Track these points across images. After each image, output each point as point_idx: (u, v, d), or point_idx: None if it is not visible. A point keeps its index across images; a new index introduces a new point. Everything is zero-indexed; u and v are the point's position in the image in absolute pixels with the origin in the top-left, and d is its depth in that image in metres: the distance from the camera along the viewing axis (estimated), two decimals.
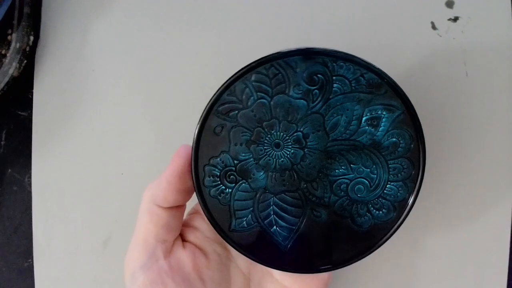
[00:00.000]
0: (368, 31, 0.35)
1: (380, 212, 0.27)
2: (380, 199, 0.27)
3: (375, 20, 0.35)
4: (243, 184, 0.27)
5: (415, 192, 0.27)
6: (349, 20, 0.35)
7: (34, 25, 0.36)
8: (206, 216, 0.27)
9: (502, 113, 0.34)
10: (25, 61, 0.36)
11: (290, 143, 0.27)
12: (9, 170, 0.37)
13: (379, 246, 0.27)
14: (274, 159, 0.27)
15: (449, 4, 0.34)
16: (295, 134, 0.27)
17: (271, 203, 0.27)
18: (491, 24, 0.34)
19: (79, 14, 0.37)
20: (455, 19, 0.34)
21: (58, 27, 0.37)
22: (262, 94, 0.26)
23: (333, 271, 0.28)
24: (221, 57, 0.35)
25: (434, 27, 0.34)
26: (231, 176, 0.27)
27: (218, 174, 0.27)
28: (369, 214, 0.27)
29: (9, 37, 0.35)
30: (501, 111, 0.34)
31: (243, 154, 0.27)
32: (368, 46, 0.35)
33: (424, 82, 0.34)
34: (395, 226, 0.27)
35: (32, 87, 0.37)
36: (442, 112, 0.34)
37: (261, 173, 0.27)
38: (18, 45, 0.35)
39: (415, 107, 0.26)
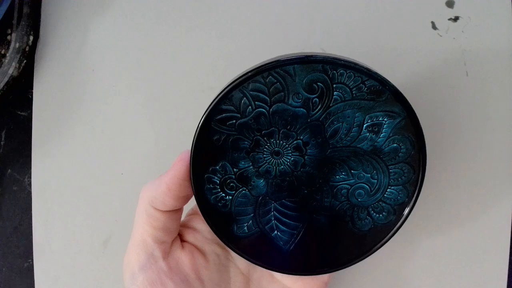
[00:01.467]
0: (368, 31, 0.35)
1: (380, 215, 0.27)
2: (380, 202, 0.27)
3: (375, 20, 0.35)
4: (243, 191, 0.27)
5: (415, 195, 0.27)
6: (349, 21, 0.35)
7: (34, 25, 0.36)
8: (207, 222, 0.27)
9: (502, 113, 0.34)
10: (25, 61, 0.36)
11: (290, 151, 0.26)
12: (9, 170, 0.37)
13: (378, 248, 0.27)
14: (274, 167, 0.27)
15: (450, 4, 0.34)
16: (294, 142, 0.26)
17: (272, 209, 0.27)
18: (492, 24, 0.34)
19: (79, 14, 0.36)
20: (455, 19, 0.34)
21: (58, 27, 0.37)
22: (260, 104, 0.26)
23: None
24: (221, 57, 0.35)
25: (434, 27, 0.34)
26: (231, 184, 0.27)
27: (218, 182, 0.27)
28: (369, 218, 0.27)
29: (8, 37, 0.35)
30: (501, 111, 0.34)
31: (243, 162, 0.27)
32: (368, 46, 0.34)
33: (424, 82, 0.34)
34: (395, 229, 0.27)
35: (31, 87, 0.37)
36: (441, 111, 0.34)
37: (261, 180, 0.27)
38: (17, 45, 0.35)
39: (414, 106, 0.26)
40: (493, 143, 0.34)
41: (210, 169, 0.27)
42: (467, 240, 0.34)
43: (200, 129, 0.26)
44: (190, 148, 0.27)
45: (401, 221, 0.27)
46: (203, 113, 0.26)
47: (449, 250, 0.34)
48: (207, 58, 0.36)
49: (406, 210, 0.27)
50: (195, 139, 0.26)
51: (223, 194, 0.27)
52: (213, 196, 0.27)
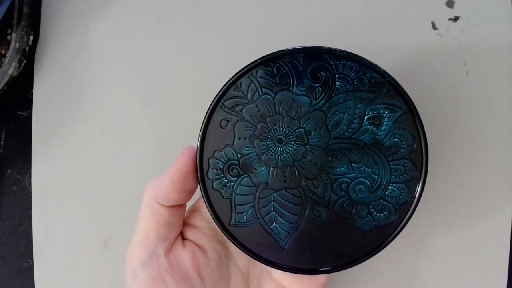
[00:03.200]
0: (368, 31, 0.35)
1: (381, 214, 0.27)
2: (382, 200, 0.27)
3: (375, 20, 0.35)
4: (245, 178, 0.27)
5: (417, 196, 0.26)
6: (349, 20, 0.35)
7: (34, 24, 0.36)
8: (207, 208, 0.27)
9: (502, 113, 0.34)
10: (25, 61, 0.36)
11: (292, 139, 0.27)
12: (9, 170, 0.37)
13: (379, 250, 0.27)
14: (277, 155, 0.27)
15: (450, 4, 0.34)
16: (297, 130, 0.27)
17: (272, 199, 0.27)
18: (492, 24, 0.34)
19: (79, 14, 0.37)
20: (456, 19, 0.34)
21: (58, 27, 0.37)
22: (267, 90, 0.27)
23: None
24: (221, 57, 0.35)
25: (434, 27, 0.34)
26: (234, 170, 0.27)
27: (222, 167, 0.27)
28: (369, 216, 0.27)
29: (8, 37, 0.35)
30: (501, 111, 0.34)
31: (247, 148, 0.27)
32: (368, 45, 0.35)
33: (424, 82, 0.34)
34: (396, 230, 0.27)
35: (31, 87, 0.37)
36: (441, 111, 0.34)
37: (263, 168, 0.27)
38: (17, 45, 0.35)
39: (413, 100, 0.26)
40: (493, 143, 0.34)
41: (215, 153, 0.27)
42: (468, 240, 0.34)
43: (209, 112, 0.27)
44: (191, 144, 0.27)
45: (402, 223, 0.27)
46: (214, 97, 0.27)
47: (449, 251, 0.34)
48: (207, 58, 0.36)
49: (408, 212, 0.26)
50: (204, 121, 0.27)
51: (226, 180, 0.27)
52: (216, 181, 0.27)
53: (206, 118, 0.27)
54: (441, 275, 0.34)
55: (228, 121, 0.27)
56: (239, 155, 0.27)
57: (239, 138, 0.27)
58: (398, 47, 0.34)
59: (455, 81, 0.34)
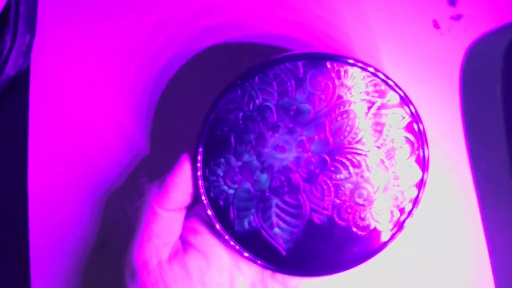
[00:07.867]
0: (369, 30, 0.34)
1: (381, 217, 0.27)
2: (382, 204, 0.27)
3: (376, 19, 0.34)
4: (246, 186, 0.27)
5: (417, 199, 0.27)
6: (349, 20, 0.35)
7: (31, 24, 0.36)
8: (207, 215, 0.27)
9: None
10: (21, 61, 0.35)
11: (293, 147, 0.27)
12: (7, 171, 0.37)
13: (379, 251, 0.27)
14: (277, 162, 0.27)
15: (452, 2, 0.34)
16: (298, 137, 0.27)
17: (273, 205, 0.27)
18: (494, 23, 0.34)
19: (77, 12, 0.36)
20: (458, 17, 0.34)
21: (55, 26, 0.36)
22: (266, 97, 0.26)
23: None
24: (221, 57, 0.35)
25: (436, 26, 0.34)
26: (234, 177, 0.27)
27: (221, 174, 0.27)
28: (370, 219, 0.27)
29: (5, 36, 0.35)
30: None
31: (247, 156, 0.27)
32: (369, 44, 0.34)
33: (425, 81, 0.34)
34: (397, 232, 0.27)
35: (28, 87, 0.36)
36: (442, 111, 0.34)
37: (264, 175, 0.27)
38: (14, 44, 0.35)
39: (415, 106, 0.26)
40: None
41: (214, 161, 0.27)
42: (467, 241, 0.34)
43: (206, 120, 0.27)
44: (191, 148, 0.27)
45: (403, 224, 0.27)
46: (210, 104, 0.27)
47: (448, 251, 0.34)
48: (207, 57, 0.35)
49: (408, 214, 0.27)
50: (200, 131, 0.27)
51: (226, 188, 0.27)
52: (215, 190, 0.27)
53: (203, 125, 0.27)
54: (441, 276, 0.34)
55: (226, 128, 0.27)
56: (239, 163, 0.27)
57: (239, 146, 0.27)
58: (400, 46, 0.34)
59: (456, 80, 0.34)
